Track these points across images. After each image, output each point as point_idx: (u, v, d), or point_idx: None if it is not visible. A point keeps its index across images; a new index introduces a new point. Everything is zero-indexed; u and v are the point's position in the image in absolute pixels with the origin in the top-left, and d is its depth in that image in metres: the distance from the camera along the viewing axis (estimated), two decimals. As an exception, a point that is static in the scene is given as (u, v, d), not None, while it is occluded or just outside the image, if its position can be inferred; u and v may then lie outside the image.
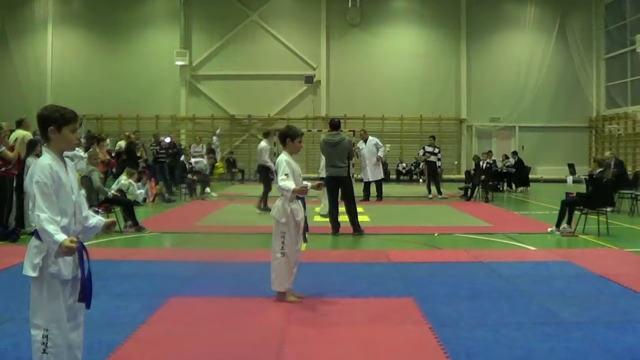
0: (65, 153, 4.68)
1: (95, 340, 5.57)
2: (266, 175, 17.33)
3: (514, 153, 27.79)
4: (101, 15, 34.88)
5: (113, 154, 21.87)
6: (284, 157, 7.51)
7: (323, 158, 14.55)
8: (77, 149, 16.48)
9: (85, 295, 4.50)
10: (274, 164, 8.24)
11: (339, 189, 13.28)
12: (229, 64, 35.07)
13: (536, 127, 34.77)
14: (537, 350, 5.70)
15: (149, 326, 6.29)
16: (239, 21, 35.14)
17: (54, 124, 4.44)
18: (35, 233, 4.47)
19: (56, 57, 35.30)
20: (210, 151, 30.05)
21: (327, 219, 13.64)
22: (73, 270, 4.47)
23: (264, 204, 16.94)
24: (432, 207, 19.35)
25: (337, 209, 13.31)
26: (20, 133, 13.30)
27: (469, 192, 21.82)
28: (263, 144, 17.78)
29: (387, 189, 26.10)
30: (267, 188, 17.19)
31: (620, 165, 18.88)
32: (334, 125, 13.67)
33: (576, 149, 34.31)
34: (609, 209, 13.83)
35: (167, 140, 21.62)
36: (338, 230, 13.19)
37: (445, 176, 28.32)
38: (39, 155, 12.52)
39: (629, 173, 20.78)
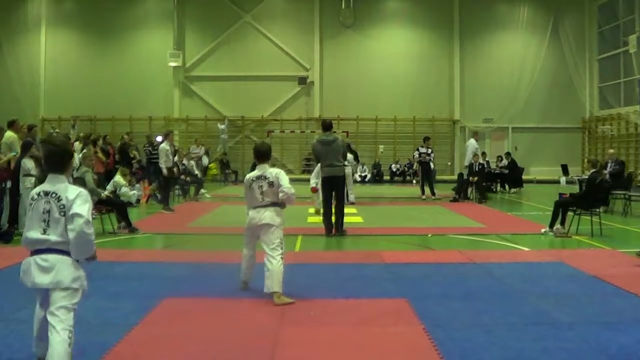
0: None
1: (88, 341, 5.55)
2: (164, 178, 17.96)
3: (507, 154, 27.81)
4: (94, 16, 34.88)
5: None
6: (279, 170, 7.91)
7: (317, 167, 14.58)
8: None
9: None
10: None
11: (333, 189, 13.25)
12: (222, 65, 35.09)
13: (529, 128, 34.88)
14: (530, 350, 5.71)
15: (142, 327, 6.28)
16: (232, 22, 35.17)
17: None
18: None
19: (49, 58, 35.27)
20: (205, 153, 30.13)
21: (321, 219, 13.64)
22: None
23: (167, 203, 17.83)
24: (426, 208, 19.35)
25: (332, 210, 13.29)
26: (9, 135, 13.27)
27: (457, 192, 21.92)
28: (163, 145, 17.83)
29: (380, 189, 26.16)
30: (167, 190, 18.22)
31: (621, 164, 18.90)
32: (327, 126, 13.63)
33: (569, 149, 34.41)
34: (601, 209, 13.88)
35: (159, 139, 21.32)
36: (332, 231, 13.18)
37: (438, 177, 28.32)
38: (32, 156, 12.59)
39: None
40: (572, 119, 35.13)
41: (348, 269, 9.54)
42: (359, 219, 15.62)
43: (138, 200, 19.11)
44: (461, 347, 5.78)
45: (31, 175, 12.89)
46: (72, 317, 4.78)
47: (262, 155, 7.93)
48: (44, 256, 4.77)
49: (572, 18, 35.12)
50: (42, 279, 4.74)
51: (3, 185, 12.49)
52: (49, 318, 4.73)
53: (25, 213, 12.66)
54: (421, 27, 35.42)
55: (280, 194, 7.59)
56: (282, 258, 7.53)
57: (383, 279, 8.86)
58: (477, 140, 22.17)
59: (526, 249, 11.63)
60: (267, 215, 7.64)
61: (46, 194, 4.83)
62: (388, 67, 34.97)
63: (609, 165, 18.57)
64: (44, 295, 4.87)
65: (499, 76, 34.71)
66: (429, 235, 13.37)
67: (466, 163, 21.71)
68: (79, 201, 4.77)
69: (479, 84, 34.88)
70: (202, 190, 22.65)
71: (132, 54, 35.17)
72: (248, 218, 7.84)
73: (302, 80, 34.81)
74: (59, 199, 4.79)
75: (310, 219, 15.15)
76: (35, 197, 4.86)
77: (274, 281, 7.43)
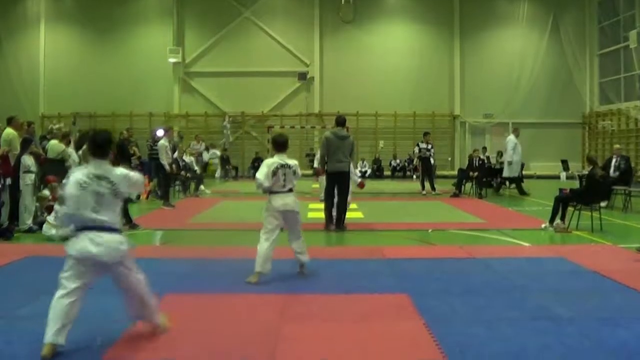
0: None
1: (90, 336, 5.57)
2: (164, 173, 18.15)
3: (508, 149, 27.76)
4: (94, 12, 34.83)
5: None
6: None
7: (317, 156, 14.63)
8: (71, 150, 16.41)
9: None
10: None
11: (337, 184, 13.31)
12: (222, 61, 35.04)
13: (529, 124, 34.76)
14: (531, 345, 5.71)
15: (143, 323, 6.27)
16: (232, 18, 35.11)
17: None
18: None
19: (49, 54, 35.21)
20: (205, 149, 30.16)
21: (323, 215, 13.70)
22: None
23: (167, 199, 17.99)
24: (426, 204, 19.36)
25: (333, 204, 13.38)
26: (8, 132, 13.26)
27: (457, 187, 21.95)
28: (162, 142, 17.86)
29: (380, 185, 26.17)
30: (168, 186, 18.42)
31: (627, 160, 18.82)
32: (341, 121, 13.72)
33: (569, 145, 34.36)
34: (602, 204, 13.87)
35: (159, 133, 20.89)
36: (331, 225, 13.33)
37: (438, 172, 28.35)
38: (32, 154, 12.60)
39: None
40: (572, 114, 35.08)
41: (348, 264, 9.56)
42: (359, 214, 15.63)
43: (138, 197, 19.08)
44: (461, 342, 5.79)
45: (31, 172, 12.89)
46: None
47: (281, 145, 8.75)
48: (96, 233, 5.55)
49: (572, 13, 35.08)
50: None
51: (3, 182, 12.49)
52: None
53: (25, 210, 12.73)
54: (421, 23, 35.37)
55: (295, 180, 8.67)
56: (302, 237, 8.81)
57: (384, 274, 8.87)
58: (517, 136, 22.20)
59: (526, 244, 11.64)
60: (293, 202, 8.55)
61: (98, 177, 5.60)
62: (388, 62, 34.94)
63: (615, 160, 18.49)
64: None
65: (499, 72, 34.67)
66: (430, 231, 13.36)
67: (508, 159, 21.88)
68: None
69: (479, 80, 34.84)
70: (202, 187, 22.63)
71: (131, 50, 35.12)
72: (272, 203, 8.46)
73: (302, 76, 34.77)
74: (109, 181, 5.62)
75: (311, 214, 15.15)
76: (88, 180, 5.54)
77: (306, 254, 8.76)
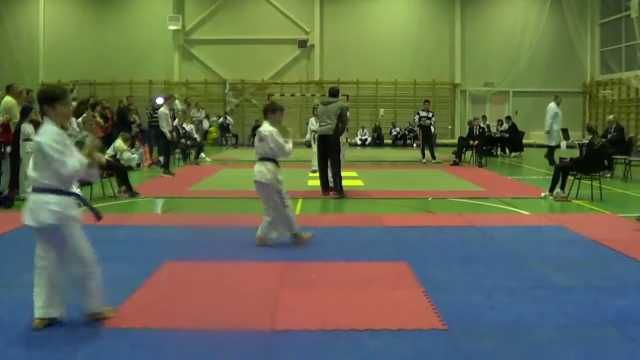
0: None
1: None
2: (165, 142, 18.01)
3: (508, 118, 27.74)
4: (93, -21, 34.55)
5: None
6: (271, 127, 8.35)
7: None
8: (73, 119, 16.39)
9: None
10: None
11: (325, 148, 13.48)
12: (222, 29, 34.76)
13: (530, 92, 34.63)
14: (529, 314, 5.74)
15: (144, 290, 6.31)
16: (232, -15, 34.83)
17: (48, 102, 5.33)
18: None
19: (48, 22, 34.91)
20: (205, 117, 30.15)
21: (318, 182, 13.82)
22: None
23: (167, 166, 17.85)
24: (426, 172, 19.38)
25: (326, 169, 13.51)
26: (7, 100, 13.23)
27: (457, 156, 21.90)
28: (162, 109, 17.85)
29: (381, 153, 26.15)
30: (168, 154, 18.22)
31: (620, 131, 18.70)
32: (332, 92, 13.97)
33: (570, 114, 34.03)
34: (607, 175, 13.84)
35: (159, 101, 20.74)
36: (328, 191, 13.42)
37: (439, 141, 28.31)
38: (32, 121, 12.57)
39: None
40: (573, 83, 34.86)
41: (348, 232, 9.59)
42: (359, 182, 15.63)
43: (138, 165, 19.11)
44: (461, 310, 5.82)
45: (31, 140, 12.86)
46: None
47: (264, 111, 8.65)
48: None
49: (574, -19, 34.81)
50: None
51: (3, 150, 12.48)
52: None
53: (25, 178, 12.74)
54: (422, -10, 35.15)
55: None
56: (287, 205, 8.34)
57: (383, 242, 8.89)
58: (558, 104, 21.99)
59: (526, 212, 11.66)
60: (258, 172, 8.30)
61: None
62: (389, 30, 34.68)
63: (610, 131, 18.41)
64: None
65: (500, 40, 34.41)
66: (429, 199, 13.39)
67: (547, 128, 21.81)
68: None
69: (479, 48, 34.60)
70: (202, 155, 22.61)
71: (131, 17, 34.83)
72: None
73: (303, 44, 34.53)
74: None
75: (311, 182, 15.16)
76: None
77: (289, 226, 8.43)
